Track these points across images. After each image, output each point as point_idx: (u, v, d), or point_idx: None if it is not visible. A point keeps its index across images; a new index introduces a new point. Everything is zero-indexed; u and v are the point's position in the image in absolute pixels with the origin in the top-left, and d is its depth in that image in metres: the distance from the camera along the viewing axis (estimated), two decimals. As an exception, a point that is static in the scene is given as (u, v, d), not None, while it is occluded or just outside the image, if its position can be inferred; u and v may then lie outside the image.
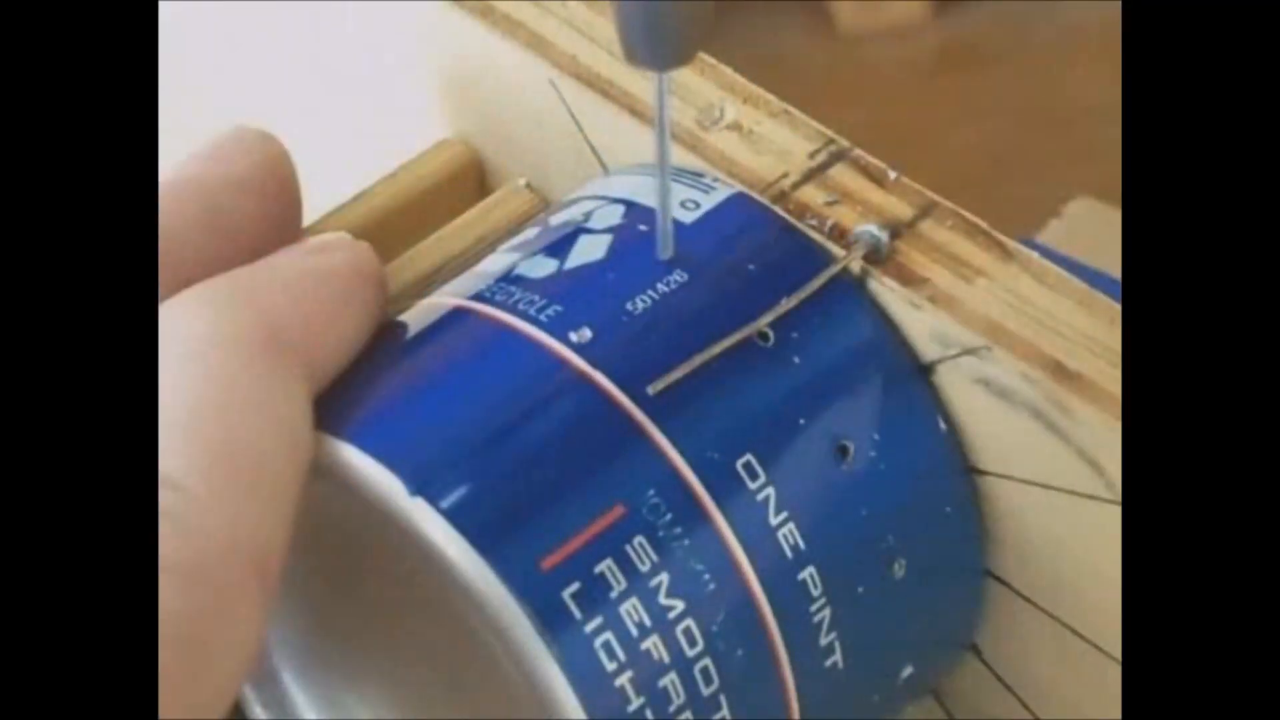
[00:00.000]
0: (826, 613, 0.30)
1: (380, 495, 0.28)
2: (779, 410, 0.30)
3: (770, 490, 0.30)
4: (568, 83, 0.34)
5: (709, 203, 0.32)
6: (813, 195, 0.32)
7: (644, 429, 0.29)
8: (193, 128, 0.33)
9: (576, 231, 0.32)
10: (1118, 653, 0.31)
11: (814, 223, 0.32)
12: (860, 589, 0.30)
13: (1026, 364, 0.30)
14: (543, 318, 0.30)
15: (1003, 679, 0.33)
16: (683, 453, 0.29)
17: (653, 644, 0.28)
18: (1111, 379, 0.30)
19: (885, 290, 0.31)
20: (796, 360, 0.30)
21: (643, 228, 0.31)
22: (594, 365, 0.30)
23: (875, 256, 0.31)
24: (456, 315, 0.31)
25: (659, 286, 0.31)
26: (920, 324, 0.31)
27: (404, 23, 0.36)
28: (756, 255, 0.31)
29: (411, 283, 0.33)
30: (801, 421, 0.30)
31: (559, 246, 0.31)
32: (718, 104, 0.33)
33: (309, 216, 0.33)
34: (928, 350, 0.31)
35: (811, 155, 0.33)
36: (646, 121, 0.33)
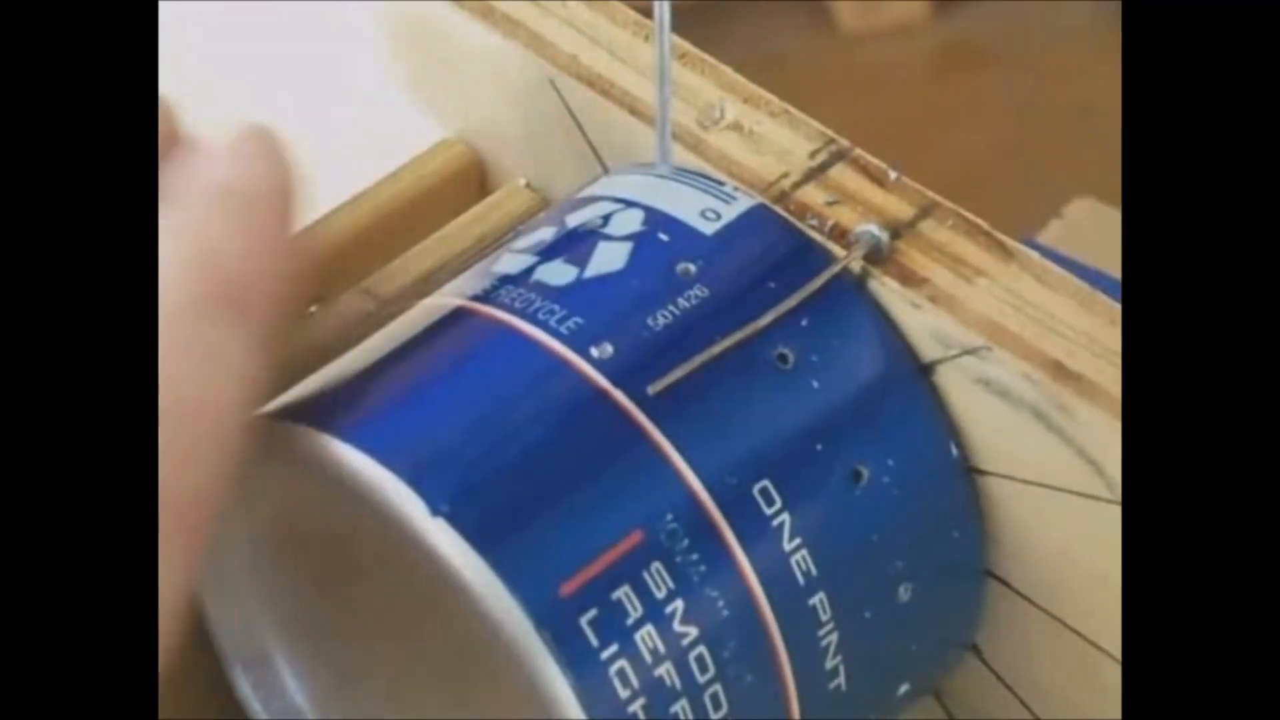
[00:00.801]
0: (834, 637, 0.30)
1: (402, 515, 0.28)
2: (797, 435, 0.30)
3: (785, 516, 0.29)
4: (568, 83, 0.34)
5: (730, 214, 0.32)
6: (813, 195, 0.32)
7: (663, 451, 0.29)
8: (192, 128, 0.33)
9: (595, 237, 0.31)
10: (1118, 653, 0.31)
11: (814, 223, 0.32)
12: (867, 613, 0.30)
13: (1027, 364, 0.30)
14: (563, 330, 0.30)
15: (1003, 679, 0.33)
16: (701, 477, 0.29)
17: (665, 671, 0.28)
18: (1111, 379, 0.30)
19: (885, 290, 0.31)
20: (816, 385, 0.30)
21: (663, 236, 0.31)
22: (615, 384, 0.29)
23: (875, 256, 0.31)
24: (472, 321, 0.30)
25: (680, 301, 0.30)
26: (920, 324, 0.31)
27: (403, 23, 0.36)
28: (777, 272, 0.31)
29: (412, 283, 0.33)
30: (819, 447, 0.30)
31: (578, 253, 0.31)
32: (718, 104, 0.33)
33: (309, 216, 0.33)
34: (928, 350, 0.31)
35: (812, 155, 0.33)
36: (647, 121, 0.33)
